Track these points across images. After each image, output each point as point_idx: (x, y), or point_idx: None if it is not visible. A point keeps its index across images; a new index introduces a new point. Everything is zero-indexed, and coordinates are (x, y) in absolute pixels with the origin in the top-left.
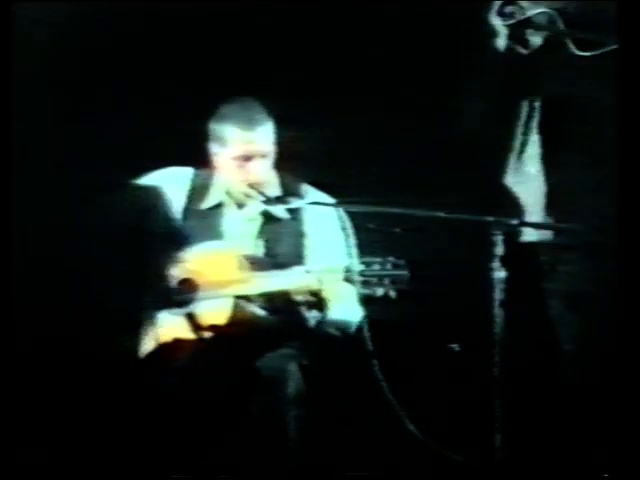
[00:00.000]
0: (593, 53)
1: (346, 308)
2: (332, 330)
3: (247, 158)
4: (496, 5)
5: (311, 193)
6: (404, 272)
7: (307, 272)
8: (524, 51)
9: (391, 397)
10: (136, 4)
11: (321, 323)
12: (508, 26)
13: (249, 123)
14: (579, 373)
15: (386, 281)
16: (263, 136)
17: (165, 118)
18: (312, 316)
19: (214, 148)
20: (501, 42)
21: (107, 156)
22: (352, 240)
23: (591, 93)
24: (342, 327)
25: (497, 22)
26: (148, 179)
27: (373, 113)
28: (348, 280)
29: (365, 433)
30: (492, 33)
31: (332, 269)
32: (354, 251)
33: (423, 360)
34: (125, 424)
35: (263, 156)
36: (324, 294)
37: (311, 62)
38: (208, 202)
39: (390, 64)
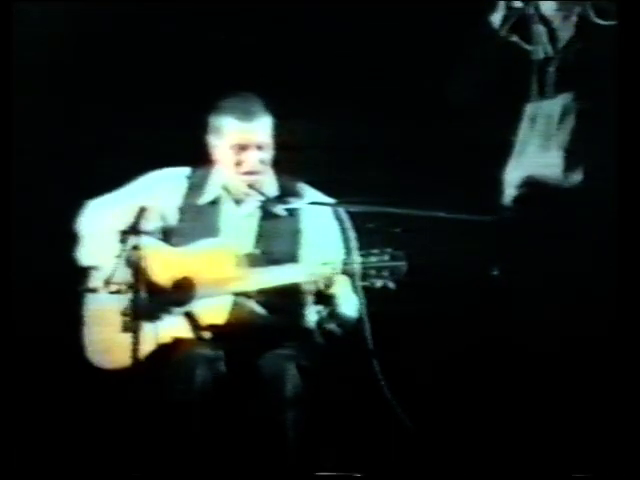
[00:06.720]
0: (612, 23)
1: (346, 302)
2: (332, 327)
3: (243, 147)
4: (499, 7)
5: (309, 192)
6: (402, 263)
7: (307, 266)
8: (528, 46)
9: (391, 396)
10: (136, 3)
11: (323, 319)
12: (511, 24)
13: (246, 114)
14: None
15: (385, 273)
16: (259, 127)
17: (165, 115)
18: (315, 311)
19: (212, 140)
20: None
21: (107, 154)
22: (352, 239)
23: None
24: (343, 321)
25: (497, 23)
26: (145, 179)
27: (373, 113)
28: (346, 273)
29: (365, 433)
30: (495, 30)
31: (330, 263)
32: (353, 248)
33: (424, 360)
34: (122, 425)
35: (259, 147)
36: (325, 289)
37: (312, 61)
38: (205, 198)
39: (391, 64)
